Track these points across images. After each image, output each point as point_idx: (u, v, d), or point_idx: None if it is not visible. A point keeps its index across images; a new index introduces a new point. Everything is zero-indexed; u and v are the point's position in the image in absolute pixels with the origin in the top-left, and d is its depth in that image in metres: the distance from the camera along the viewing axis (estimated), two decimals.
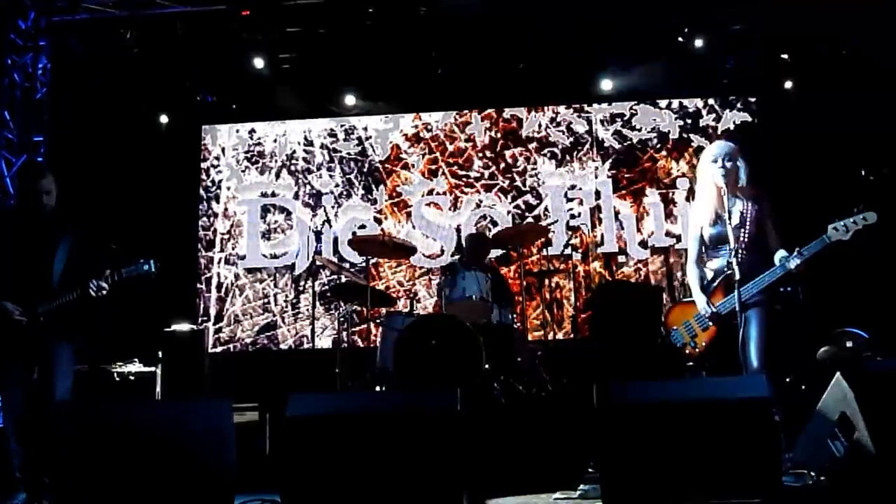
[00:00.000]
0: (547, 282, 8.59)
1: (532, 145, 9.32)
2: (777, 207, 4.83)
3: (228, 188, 9.45)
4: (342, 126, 9.49)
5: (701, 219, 4.94)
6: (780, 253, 4.64)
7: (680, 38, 8.45)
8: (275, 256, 9.27)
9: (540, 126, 9.36)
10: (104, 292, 4.73)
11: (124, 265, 4.81)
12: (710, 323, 4.79)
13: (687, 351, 4.90)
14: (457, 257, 8.60)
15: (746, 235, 4.73)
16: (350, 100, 9.25)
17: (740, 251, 4.66)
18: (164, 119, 9.21)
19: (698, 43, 8.44)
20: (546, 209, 9.14)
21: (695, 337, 4.87)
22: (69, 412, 4.15)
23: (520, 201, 9.18)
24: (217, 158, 9.51)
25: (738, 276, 4.47)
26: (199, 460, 3.79)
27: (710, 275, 4.91)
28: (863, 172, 7.77)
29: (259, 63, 8.62)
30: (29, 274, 4.73)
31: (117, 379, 6.89)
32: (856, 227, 4.48)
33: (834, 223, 4.51)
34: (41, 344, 4.68)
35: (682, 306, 5.12)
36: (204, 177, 9.47)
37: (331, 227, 9.17)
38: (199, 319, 9.05)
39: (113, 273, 4.76)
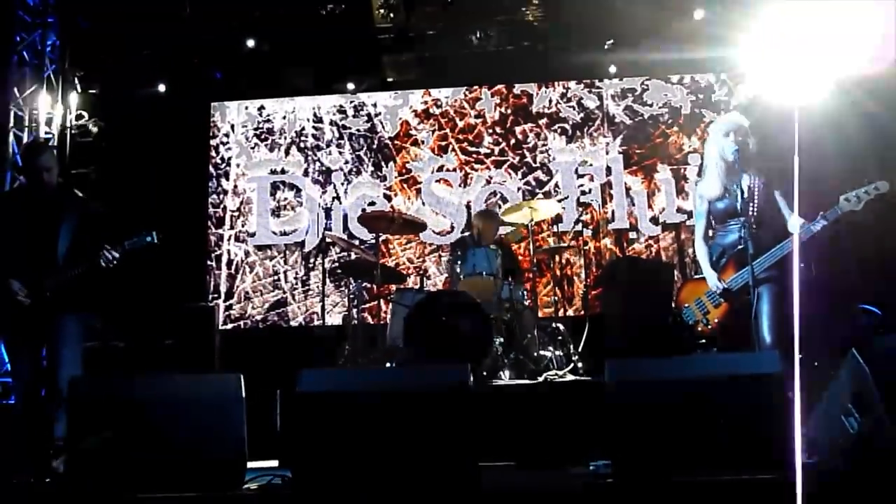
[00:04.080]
0: (557, 258, 8.57)
1: (542, 121, 9.26)
2: (790, 181, 4.79)
3: (238, 165, 9.43)
4: (351, 102, 9.45)
5: (708, 194, 4.90)
6: (794, 220, 4.60)
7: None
8: (284, 233, 9.26)
9: (550, 102, 9.30)
10: (114, 263, 4.75)
11: (127, 238, 4.83)
12: (722, 300, 4.76)
13: (699, 328, 4.87)
14: (467, 234, 8.57)
15: (755, 208, 4.70)
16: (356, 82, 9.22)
17: (751, 225, 4.63)
18: (172, 95, 9.17)
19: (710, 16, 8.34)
20: (556, 185, 9.09)
21: (707, 314, 4.84)
22: (81, 386, 4.16)
23: (530, 178, 9.13)
24: (226, 135, 9.49)
25: (751, 251, 4.45)
26: (210, 435, 3.80)
27: (719, 250, 4.88)
28: None
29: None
30: (35, 251, 4.75)
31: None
32: (868, 197, 4.45)
33: (846, 194, 4.48)
34: (49, 320, 4.70)
35: (693, 283, 5.09)
36: (213, 154, 9.45)
37: (340, 203, 9.16)
38: (210, 296, 9.06)
39: (116, 245, 4.77)
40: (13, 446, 4.75)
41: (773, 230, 4.68)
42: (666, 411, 3.55)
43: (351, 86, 9.26)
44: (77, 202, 4.94)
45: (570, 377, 6.25)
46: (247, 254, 9.23)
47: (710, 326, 4.82)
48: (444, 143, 9.30)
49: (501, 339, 6.38)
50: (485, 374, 6.10)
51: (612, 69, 9.05)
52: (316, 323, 8.84)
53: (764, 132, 5.13)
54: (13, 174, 7.65)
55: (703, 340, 4.90)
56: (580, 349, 6.81)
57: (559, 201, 8.77)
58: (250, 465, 4.07)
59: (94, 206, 4.97)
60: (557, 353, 6.67)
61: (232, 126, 9.50)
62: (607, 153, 9.13)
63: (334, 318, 8.76)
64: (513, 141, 9.24)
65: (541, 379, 6.20)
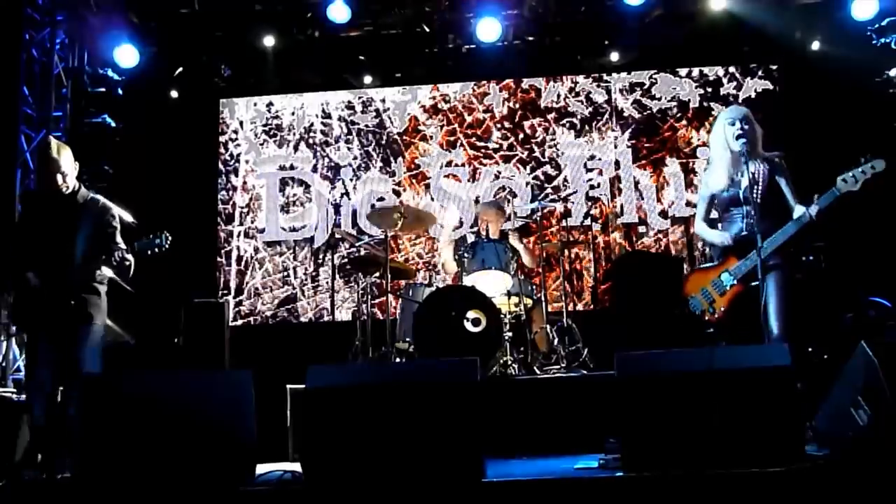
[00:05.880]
0: (567, 253, 8.56)
1: (551, 115, 9.25)
2: (798, 172, 4.79)
3: (247, 161, 9.44)
4: (360, 98, 9.45)
5: (715, 185, 4.90)
6: (798, 208, 4.60)
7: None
8: (294, 229, 9.28)
9: (559, 96, 9.29)
10: (128, 264, 4.77)
11: (138, 240, 4.85)
12: (727, 287, 4.76)
13: (706, 318, 4.87)
14: (475, 229, 8.57)
15: (759, 196, 4.70)
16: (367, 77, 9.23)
17: (756, 213, 4.62)
18: (180, 91, 9.19)
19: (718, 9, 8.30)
20: (565, 180, 9.08)
21: (713, 303, 4.84)
22: (94, 384, 4.18)
23: (539, 172, 9.12)
24: (235, 132, 9.50)
25: (760, 242, 4.44)
26: (221, 430, 3.81)
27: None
28: None
29: (276, 36, 8.60)
30: (54, 252, 4.76)
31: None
32: (864, 177, 4.45)
33: (842, 174, 4.47)
34: (69, 321, 4.72)
35: (698, 273, 5.08)
36: (222, 150, 9.47)
37: (349, 199, 9.17)
38: (220, 293, 9.09)
39: (127, 248, 4.79)
40: (26, 444, 4.77)
41: (777, 216, 4.68)
42: (675, 404, 3.55)
43: (368, 79, 9.26)
44: (95, 203, 4.95)
45: (579, 371, 6.25)
46: (256, 250, 9.26)
47: (716, 315, 4.83)
48: (452, 139, 9.30)
49: (510, 334, 6.38)
50: (494, 368, 6.11)
51: (621, 62, 9.00)
52: (325, 319, 8.86)
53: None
54: (23, 172, 7.69)
55: (711, 329, 4.89)
56: (589, 343, 6.81)
57: (567, 196, 8.78)
58: (261, 467, 4.09)
59: (112, 207, 4.99)
60: (567, 347, 6.68)
61: (241, 122, 9.52)
62: (616, 147, 9.11)
63: (344, 314, 8.78)
64: (521, 135, 9.23)
65: (550, 373, 6.21)
